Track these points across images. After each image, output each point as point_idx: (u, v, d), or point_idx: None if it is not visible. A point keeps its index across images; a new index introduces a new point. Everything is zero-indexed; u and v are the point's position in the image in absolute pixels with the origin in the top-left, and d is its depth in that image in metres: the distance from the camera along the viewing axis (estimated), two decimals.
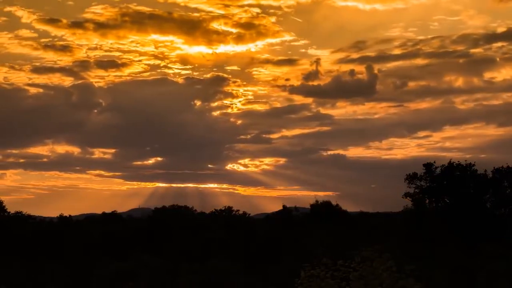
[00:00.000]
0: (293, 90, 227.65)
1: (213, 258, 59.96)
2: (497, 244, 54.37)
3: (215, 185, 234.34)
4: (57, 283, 59.39)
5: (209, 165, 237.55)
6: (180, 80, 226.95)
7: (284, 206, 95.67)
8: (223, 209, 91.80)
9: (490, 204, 64.68)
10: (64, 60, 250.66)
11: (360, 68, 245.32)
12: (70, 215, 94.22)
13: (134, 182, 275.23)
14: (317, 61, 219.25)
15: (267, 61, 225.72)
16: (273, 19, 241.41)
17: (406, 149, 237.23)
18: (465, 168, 63.82)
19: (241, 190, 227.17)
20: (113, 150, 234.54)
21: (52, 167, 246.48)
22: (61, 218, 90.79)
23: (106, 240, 73.87)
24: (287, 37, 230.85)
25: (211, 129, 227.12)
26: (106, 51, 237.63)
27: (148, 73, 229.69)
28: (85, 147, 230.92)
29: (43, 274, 62.12)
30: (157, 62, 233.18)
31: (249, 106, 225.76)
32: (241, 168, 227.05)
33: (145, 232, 77.23)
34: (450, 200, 64.20)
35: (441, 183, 63.78)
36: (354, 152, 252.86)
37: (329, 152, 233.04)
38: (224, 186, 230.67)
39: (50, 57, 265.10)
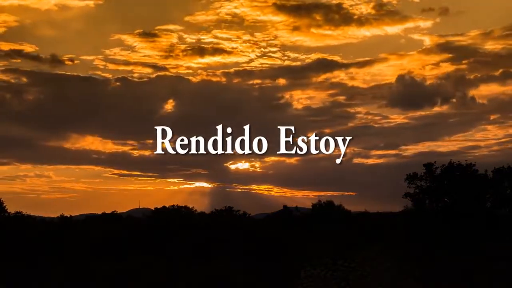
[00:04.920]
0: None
1: (213, 258, 59.89)
2: (497, 244, 54.37)
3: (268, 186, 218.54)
4: (57, 283, 59.33)
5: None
6: (279, 64, 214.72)
7: (284, 206, 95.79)
8: (223, 209, 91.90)
9: (490, 204, 64.64)
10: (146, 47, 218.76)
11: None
12: (70, 215, 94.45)
13: (180, 180, 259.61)
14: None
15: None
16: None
17: None
18: (465, 168, 63.84)
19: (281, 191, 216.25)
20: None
21: (104, 164, 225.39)
22: (61, 218, 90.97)
23: (106, 240, 73.81)
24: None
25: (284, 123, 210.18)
26: (194, 40, 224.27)
27: (250, 64, 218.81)
28: (145, 142, 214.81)
29: (42, 274, 62.06)
30: (258, 51, 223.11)
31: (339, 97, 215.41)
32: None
33: (145, 232, 77.17)
34: (450, 200, 64.16)
35: (441, 183, 63.77)
36: None
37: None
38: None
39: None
